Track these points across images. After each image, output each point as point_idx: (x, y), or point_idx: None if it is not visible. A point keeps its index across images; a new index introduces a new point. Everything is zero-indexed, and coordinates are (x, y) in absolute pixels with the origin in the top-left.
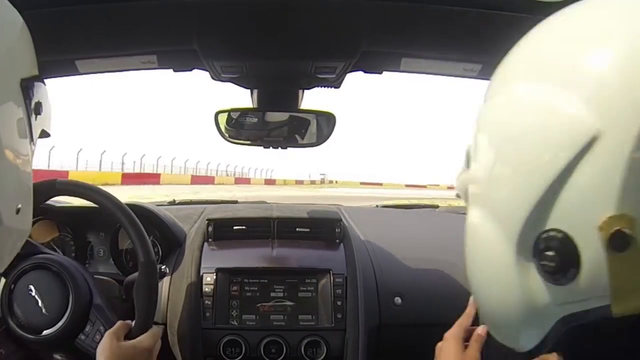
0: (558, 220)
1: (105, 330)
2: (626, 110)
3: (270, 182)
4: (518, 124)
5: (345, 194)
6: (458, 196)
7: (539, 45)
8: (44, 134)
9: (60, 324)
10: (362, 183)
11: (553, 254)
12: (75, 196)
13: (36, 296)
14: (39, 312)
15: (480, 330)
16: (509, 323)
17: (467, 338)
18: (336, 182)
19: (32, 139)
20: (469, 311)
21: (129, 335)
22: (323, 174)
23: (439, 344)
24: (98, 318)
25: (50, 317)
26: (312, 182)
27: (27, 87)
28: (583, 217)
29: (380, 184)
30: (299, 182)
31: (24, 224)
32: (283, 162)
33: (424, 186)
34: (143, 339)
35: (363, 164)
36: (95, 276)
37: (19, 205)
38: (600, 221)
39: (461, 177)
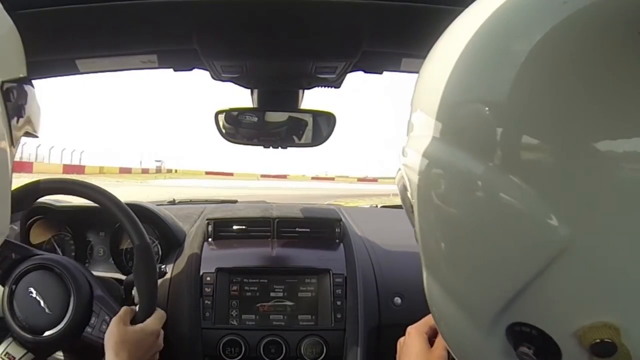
0: (533, 317)
1: (111, 318)
2: (603, 205)
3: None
4: (475, 212)
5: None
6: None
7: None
8: (30, 135)
9: (64, 321)
10: (207, 173)
11: (529, 348)
12: (59, 193)
13: (37, 297)
14: (42, 312)
15: None
16: None
17: (433, 335)
18: (175, 171)
19: (12, 143)
20: None
21: (135, 320)
22: (159, 161)
23: (401, 339)
24: (102, 308)
25: (54, 316)
26: (145, 172)
27: (7, 90)
28: (560, 322)
29: (231, 174)
30: (125, 171)
31: None
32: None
33: (285, 176)
34: (149, 323)
35: (211, 152)
36: (95, 275)
37: None
38: (579, 329)
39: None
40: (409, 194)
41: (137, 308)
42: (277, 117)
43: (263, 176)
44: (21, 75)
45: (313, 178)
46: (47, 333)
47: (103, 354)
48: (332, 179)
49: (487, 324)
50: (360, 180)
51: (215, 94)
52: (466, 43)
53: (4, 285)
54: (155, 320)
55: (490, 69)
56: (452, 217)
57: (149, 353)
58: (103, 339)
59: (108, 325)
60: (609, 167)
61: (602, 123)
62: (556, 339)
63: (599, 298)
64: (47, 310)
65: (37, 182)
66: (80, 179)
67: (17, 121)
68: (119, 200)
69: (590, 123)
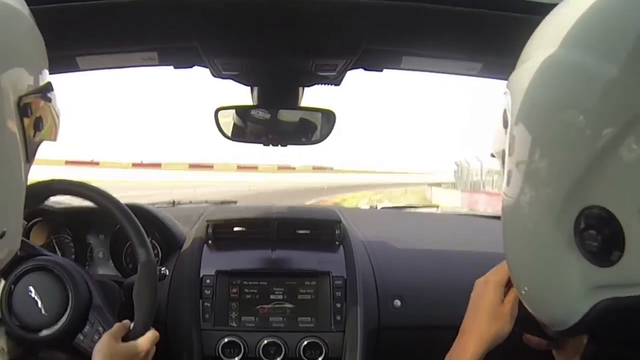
0: (601, 197)
1: (104, 331)
2: None
3: None
4: (558, 90)
5: None
6: (492, 155)
7: (574, 11)
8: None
9: (59, 324)
10: (135, 165)
11: (595, 234)
12: (72, 195)
13: (36, 297)
14: (38, 313)
15: None
16: (545, 301)
17: (507, 287)
18: (98, 163)
19: (27, 159)
20: None
21: (127, 336)
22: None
23: (478, 284)
24: (97, 319)
25: (49, 318)
26: (69, 163)
27: (25, 105)
28: (628, 196)
29: (97, 163)
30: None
31: (9, 245)
32: None
33: (158, 164)
34: (140, 342)
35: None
36: (95, 278)
37: (4, 229)
38: None
39: (499, 138)
40: (508, 110)
41: (131, 325)
42: (289, 117)
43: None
44: (41, 84)
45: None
46: (45, 332)
47: None
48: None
49: (558, 209)
50: (280, 168)
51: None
52: None
53: (6, 280)
54: (146, 340)
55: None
56: (538, 99)
57: None
58: (93, 349)
59: (100, 336)
60: None
61: None
62: (622, 219)
63: None
64: (43, 311)
65: (51, 181)
66: (93, 185)
67: (34, 135)
68: (129, 212)
69: None
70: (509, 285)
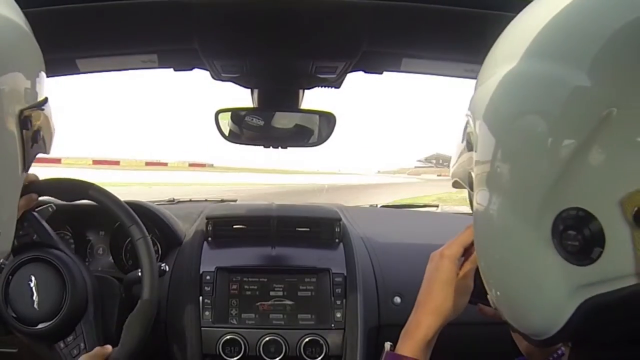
0: (577, 198)
1: (85, 348)
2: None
3: None
4: (525, 100)
5: None
6: (454, 185)
7: (532, 23)
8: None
9: (46, 324)
10: (95, 162)
11: (575, 234)
12: (84, 199)
13: (34, 289)
14: (30, 305)
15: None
16: (527, 309)
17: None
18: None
19: (24, 168)
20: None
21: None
22: None
23: (433, 258)
24: (83, 333)
25: (40, 313)
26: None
27: (25, 118)
28: (604, 194)
29: (59, 160)
30: None
31: (1, 247)
32: None
33: (117, 162)
34: None
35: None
36: (95, 274)
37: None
38: (622, 198)
39: (463, 161)
40: (470, 124)
41: (113, 351)
42: (283, 122)
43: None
44: (39, 99)
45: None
46: (41, 325)
47: None
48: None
49: (534, 216)
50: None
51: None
52: None
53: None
54: None
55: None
56: (505, 111)
57: None
58: None
59: (79, 352)
60: None
61: None
62: (600, 216)
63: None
64: (35, 305)
65: (90, 184)
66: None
67: (32, 146)
68: (145, 233)
69: None
70: (464, 257)
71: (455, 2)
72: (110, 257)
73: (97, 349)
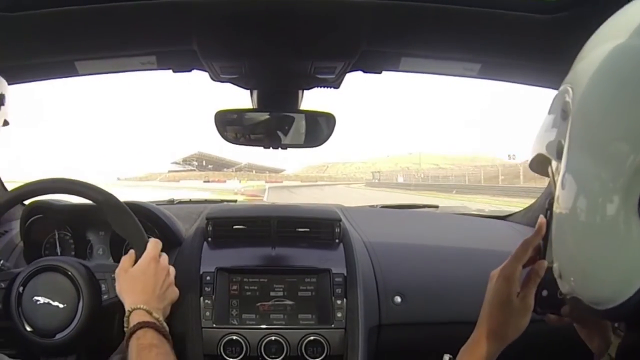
0: None
1: None
2: None
3: None
4: (630, 70)
5: None
6: (532, 165)
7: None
8: (5, 123)
9: (77, 317)
10: None
11: None
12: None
13: (45, 299)
14: (56, 309)
15: (539, 267)
16: (601, 276)
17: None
18: None
19: None
20: (530, 242)
21: (136, 260)
22: None
23: (492, 278)
24: (105, 272)
25: (70, 307)
26: None
27: None
28: None
29: None
30: None
31: None
32: None
33: None
34: (145, 254)
35: None
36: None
37: None
38: None
39: (552, 132)
40: (569, 94)
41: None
42: (283, 123)
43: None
44: None
45: None
46: (59, 335)
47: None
48: None
49: (626, 182)
50: None
51: None
52: None
53: (8, 301)
54: (147, 250)
55: None
56: (611, 81)
57: (159, 279)
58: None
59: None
60: None
61: None
62: None
63: None
64: (60, 305)
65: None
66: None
67: None
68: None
69: None
70: (526, 275)
71: (453, 0)
72: (110, 258)
73: (123, 258)
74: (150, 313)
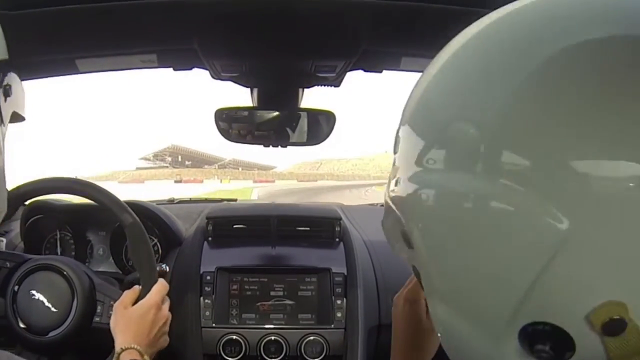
0: (544, 313)
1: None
2: (591, 203)
3: None
4: (472, 224)
5: None
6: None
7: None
8: (19, 118)
9: (70, 315)
10: None
11: (544, 347)
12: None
13: (40, 297)
14: (47, 311)
15: None
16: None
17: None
18: None
19: (2, 121)
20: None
21: (140, 298)
22: None
23: (398, 303)
24: (105, 295)
25: (60, 313)
26: None
27: None
28: (570, 309)
29: None
30: None
31: None
32: None
33: None
34: (148, 298)
35: None
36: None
37: None
38: (589, 312)
39: (406, 256)
40: (402, 222)
41: (139, 288)
42: (283, 121)
43: None
44: (3, 58)
45: None
46: (52, 333)
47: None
48: None
49: (500, 331)
50: None
51: None
52: (464, 62)
53: (4, 296)
54: (154, 294)
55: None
56: (453, 233)
57: (156, 326)
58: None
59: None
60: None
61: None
62: (569, 329)
63: (603, 279)
64: (52, 308)
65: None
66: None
67: (5, 100)
68: (99, 187)
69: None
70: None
71: (454, 1)
72: (111, 258)
73: (125, 293)
74: (142, 355)
